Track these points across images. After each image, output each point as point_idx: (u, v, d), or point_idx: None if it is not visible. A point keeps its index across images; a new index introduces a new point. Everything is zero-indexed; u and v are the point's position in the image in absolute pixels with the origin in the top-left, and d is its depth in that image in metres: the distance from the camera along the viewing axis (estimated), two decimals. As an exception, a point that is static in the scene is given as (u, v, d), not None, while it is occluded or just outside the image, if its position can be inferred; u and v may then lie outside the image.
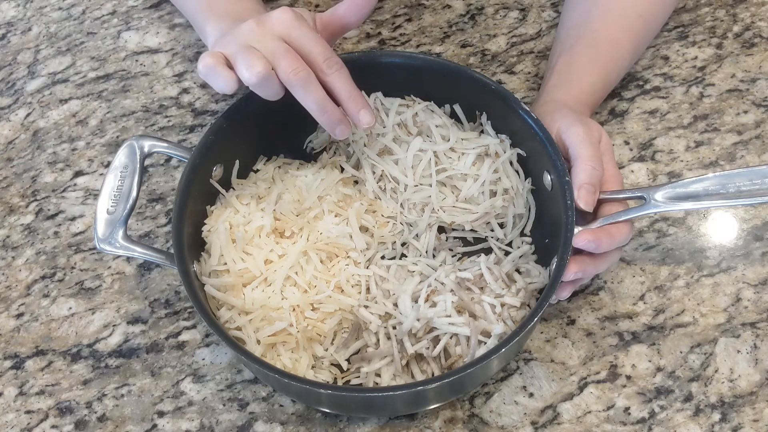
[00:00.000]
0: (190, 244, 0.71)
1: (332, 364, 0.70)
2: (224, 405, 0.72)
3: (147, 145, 0.73)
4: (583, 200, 0.68)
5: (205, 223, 0.74)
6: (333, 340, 0.71)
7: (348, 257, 0.73)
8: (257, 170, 0.79)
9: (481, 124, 0.78)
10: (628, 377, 0.72)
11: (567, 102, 0.77)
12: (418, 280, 0.72)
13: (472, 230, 0.77)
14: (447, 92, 0.79)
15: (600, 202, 0.70)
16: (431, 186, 0.76)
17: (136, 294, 0.78)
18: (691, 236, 0.79)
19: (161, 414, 0.72)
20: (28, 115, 0.91)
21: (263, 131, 0.78)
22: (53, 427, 0.72)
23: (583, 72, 0.80)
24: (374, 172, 0.78)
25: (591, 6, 0.82)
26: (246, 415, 0.71)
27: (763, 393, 0.70)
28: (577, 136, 0.70)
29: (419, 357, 0.69)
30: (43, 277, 0.80)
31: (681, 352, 0.73)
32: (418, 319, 0.69)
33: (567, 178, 0.69)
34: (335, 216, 0.75)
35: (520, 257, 0.74)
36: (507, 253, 0.75)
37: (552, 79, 0.80)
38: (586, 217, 0.69)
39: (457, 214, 0.76)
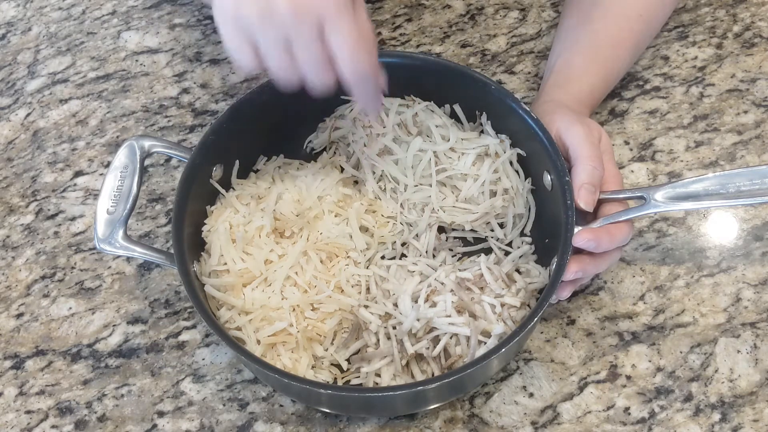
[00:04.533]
0: (190, 244, 0.71)
1: (332, 364, 0.70)
2: (224, 405, 0.72)
3: (147, 145, 0.73)
4: (584, 200, 0.68)
5: (205, 223, 0.74)
6: (333, 340, 0.71)
7: (348, 257, 0.73)
8: (257, 170, 0.79)
9: (481, 124, 0.78)
10: (628, 377, 0.72)
11: (566, 102, 0.76)
12: (418, 280, 0.72)
13: (472, 230, 0.77)
14: (447, 92, 0.79)
15: (600, 202, 0.70)
16: (431, 186, 0.76)
17: (136, 294, 0.78)
18: (691, 236, 0.79)
19: (161, 414, 0.72)
20: (28, 115, 0.91)
21: (263, 131, 0.78)
22: (53, 427, 0.72)
23: (583, 72, 0.80)
24: (374, 172, 0.78)
25: (591, 6, 0.82)
26: (246, 415, 0.71)
27: (763, 393, 0.70)
28: (577, 135, 0.70)
29: (419, 357, 0.69)
30: (43, 277, 0.80)
31: (681, 352, 0.73)
32: (418, 319, 0.69)
33: (567, 178, 0.69)
34: (335, 216, 0.75)
35: (520, 257, 0.74)
36: (507, 253, 0.75)
37: (551, 79, 0.80)
38: (586, 217, 0.69)
39: (457, 214, 0.76)
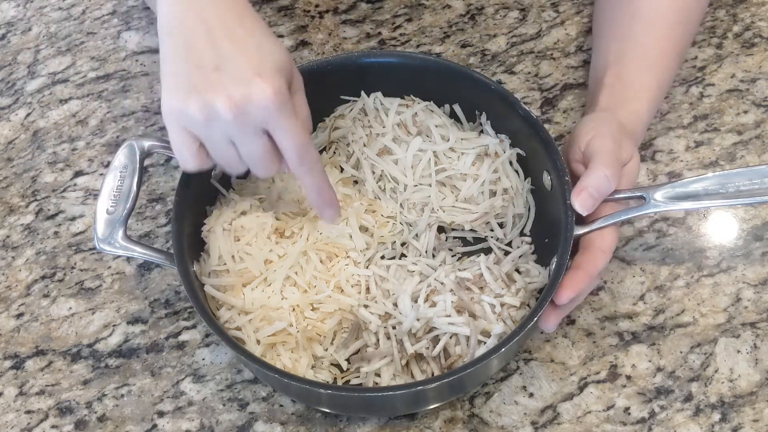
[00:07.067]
0: (190, 244, 0.71)
1: (332, 364, 0.70)
2: (224, 405, 0.72)
3: (147, 145, 0.73)
4: (580, 202, 0.67)
5: (204, 223, 0.74)
6: (333, 340, 0.71)
7: (348, 257, 0.73)
8: (257, 170, 0.79)
9: (481, 124, 0.78)
10: (628, 377, 0.72)
11: (623, 119, 0.74)
12: (417, 280, 0.72)
13: (471, 230, 0.77)
14: (447, 92, 0.79)
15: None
16: (431, 186, 0.76)
17: (136, 294, 0.78)
18: (691, 236, 0.79)
19: (161, 414, 0.72)
20: (28, 115, 0.91)
21: (263, 131, 0.78)
22: (53, 427, 0.72)
23: (639, 86, 0.77)
24: (374, 172, 0.78)
25: (631, 21, 0.79)
26: (246, 415, 0.71)
27: (763, 393, 0.70)
28: (606, 146, 0.69)
29: (419, 357, 0.69)
30: (43, 277, 0.80)
31: (681, 352, 0.73)
32: (418, 319, 0.69)
33: (567, 178, 0.69)
34: (335, 216, 0.75)
35: (520, 257, 0.74)
36: (507, 253, 0.75)
37: (605, 94, 0.76)
38: (585, 216, 0.69)
39: (457, 214, 0.76)
